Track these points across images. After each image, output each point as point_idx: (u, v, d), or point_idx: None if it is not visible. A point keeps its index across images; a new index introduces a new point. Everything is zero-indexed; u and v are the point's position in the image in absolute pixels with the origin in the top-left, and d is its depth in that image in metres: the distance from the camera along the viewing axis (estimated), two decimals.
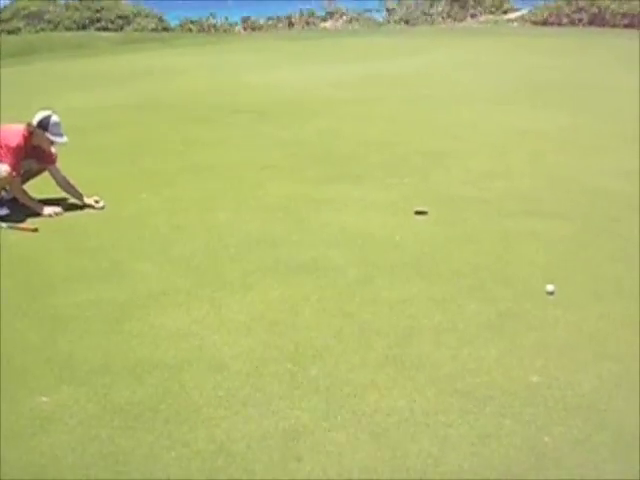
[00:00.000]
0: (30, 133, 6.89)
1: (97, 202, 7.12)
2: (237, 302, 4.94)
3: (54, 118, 6.91)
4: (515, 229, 6.09)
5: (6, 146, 6.79)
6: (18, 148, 6.82)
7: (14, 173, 6.79)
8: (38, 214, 6.87)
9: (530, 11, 27.58)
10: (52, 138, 6.90)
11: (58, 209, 6.94)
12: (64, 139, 6.96)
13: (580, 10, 24.73)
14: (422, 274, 5.26)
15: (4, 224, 6.74)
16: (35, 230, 6.59)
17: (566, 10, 25.14)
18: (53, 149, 7.15)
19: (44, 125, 6.86)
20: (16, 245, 6.29)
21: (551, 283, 4.92)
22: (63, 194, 7.17)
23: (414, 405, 3.70)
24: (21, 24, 29.48)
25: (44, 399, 3.94)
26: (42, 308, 5.03)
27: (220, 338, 4.47)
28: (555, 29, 24.02)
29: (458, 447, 3.38)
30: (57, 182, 7.17)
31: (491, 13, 29.16)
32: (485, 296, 4.88)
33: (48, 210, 6.90)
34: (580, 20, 24.50)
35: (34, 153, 7.03)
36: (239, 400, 3.82)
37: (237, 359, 4.22)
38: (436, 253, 5.63)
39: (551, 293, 4.85)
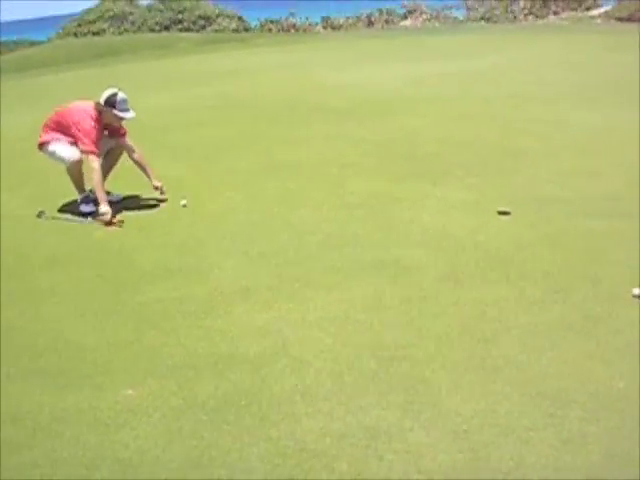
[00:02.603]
0: (99, 112, 7.02)
1: (161, 191, 7.32)
2: (319, 300, 4.96)
3: (121, 95, 7.02)
4: (600, 229, 5.96)
5: (80, 128, 6.96)
6: (93, 128, 6.97)
7: (96, 152, 6.96)
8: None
9: (614, 7, 26.95)
10: (121, 114, 7.02)
11: (108, 216, 6.87)
12: (132, 114, 7.08)
13: None
14: (506, 275, 5.19)
15: (89, 218, 6.91)
16: (120, 224, 6.72)
17: None
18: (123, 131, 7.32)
19: (112, 102, 6.98)
20: (103, 242, 6.45)
21: (638, 286, 4.79)
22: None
23: (497, 407, 3.65)
24: (105, 26, 30.20)
25: (130, 392, 4.03)
26: (129, 304, 5.16)
27: (302, 335, 4.50)
28: None
29: (540, 451, 3.32)
30: (131, 158, 7.31)
31: (573, 10, 28.63)
32: (570, 298, 4.79)
33: (105, 209, 6.90)
34: None
35: (106, 130, 7.20)
36: (321, 397, 3.84)
37: (319, 356, 4.24)
38: (520, 254, 5.55)
39: (638, 296, 4.73)
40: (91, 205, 7.15)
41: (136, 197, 7.51)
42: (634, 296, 4.72)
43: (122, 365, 4.32)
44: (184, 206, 7.10)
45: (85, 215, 7.07)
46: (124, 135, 7.31)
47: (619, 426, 3.47)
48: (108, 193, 7.24)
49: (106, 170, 7.34)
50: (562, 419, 3.54)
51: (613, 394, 3.73)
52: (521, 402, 3.69)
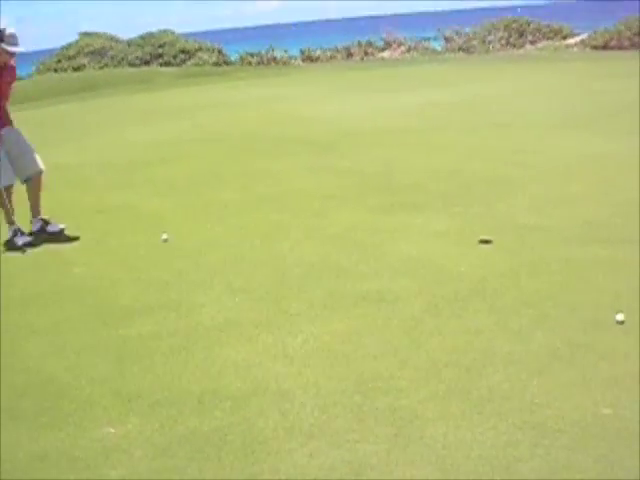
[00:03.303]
0: None
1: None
2: (302, 333, 4.92)
3: (9, 29, 6.87)
4: (581, 256, 5.97)
5: None
6: None
7: None
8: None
9: (590, 36, 27.26)
10: (9, 48, 6.89)
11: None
12: (21, 48, 6.98)
13: None
14: (488, 304, 5.18)
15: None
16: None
17: (627, 33, 24.80)
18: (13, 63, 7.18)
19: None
20: (82, 277, 6.39)
21: (620, 312, 4.79)
22: None
23: (483, 438, 3.61)
24: (85, 61, 30.22)
25: (111, 430, 3.96)
26: (109, 339, 5.10)
27: (285, 369, 4.45)
28: (617, 53, 23.68)
29: None
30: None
31: (550, 39, 28.93)
32: (553, 326, 4.77)
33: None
34: None
35: None
36: (304, 432, 3.78)
37: (302, 390, 4.19)
38: (502, 282, 5.54)
39: (621, 322, 4.72)
40: (24, 236, 7.12)
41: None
42: (617, 322, 4.71)
43: (102, 402, 4.25)
44: (165, 241, 7.05)
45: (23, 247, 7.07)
46: (14, 80, 7.30)
47: (606, 454, 3.43)
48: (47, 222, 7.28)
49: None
50: (549, 449, 3.50)
51: (599, 422, 3.70)
52: (507, 432, 3.66)
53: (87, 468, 3.64)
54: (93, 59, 30.33)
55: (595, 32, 26.95)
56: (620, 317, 4.74)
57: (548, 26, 29.49)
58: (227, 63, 30.72)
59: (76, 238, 7.13)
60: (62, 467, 3.66)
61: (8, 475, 3.63)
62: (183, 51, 30.38)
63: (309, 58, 30.14)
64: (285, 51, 30.81)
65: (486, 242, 6.36)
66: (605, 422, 3.70)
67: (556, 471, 3.34)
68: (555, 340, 4.57)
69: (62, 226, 7.25)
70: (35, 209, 7.37)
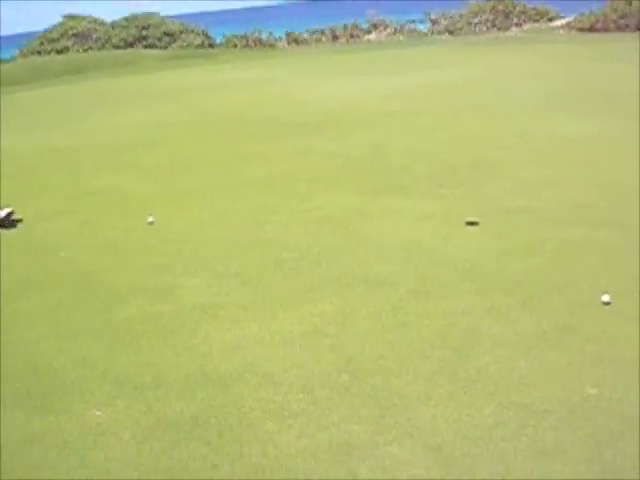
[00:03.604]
0: None
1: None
2: (290, 315, 4.93)
3: None
4: (568, 238, 5.98)
5: None
6: None
7: None
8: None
9: (576, 18, 27.22)
10: None
11: None
12: None
13: (627, 16, 24.36)
14: (476, 286, 5.19)
15: None
16: None
17: (612, 16, 24.79)
18: None
19: None
20: (69, 262, 6.36)
21: (606, 293, 4.81)
22: None
23: (470, 419, 3.64)
24: (69, 43, 29.95)
25: (98, 413, 3.96)
26: (97, 323, 5.09)
27: (272, 351, 4.46)
28: (602, 35, 23.69)
29: (515, 462, 3.31)
30: None
31: (536, 21, 28.86)
32: (540, 307, 4.79)
33: None
34: (627, 26, 24.12)
35: None
36: (292, 414, 3.80)
37: (289, 372, 4.20)
38: (489, 264, 5.56)
39: (607, 303, 4.75)
40: None
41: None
42: (603, 303, 4.74)
43: (90, 385, 4.25)
44: (151, 223, 7.03)
45: None
46: None
47: (593, 434, 3.46)
48: None
49: None
50: (536, 429, 3.53)
51: (586, 402, 3.72)
52: (494, 413, 3.68)
53: (75, 451, 3.65)
54: (77, 42, 30.07)
55: (581, 15, 26.91)
56: (606, 298, 4.77)
57: (534, 8, 29.41)
58: (212, 46, 30.51)
59: (19, 220, 7.11)
60: (50, 450, 3.67)
61: None
62: (167, 33, 30.16)
63: (295, 40, 29.98)
64: (270, 33, 30.62)
65: (473, 224, 6.37)
66: (591, 402, 3.72)
67: (544, 452, 3.36)
68: (542, 321, 4.60)
69: (8, 210, 7.19)
70: None
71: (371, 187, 7.77)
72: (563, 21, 28.13)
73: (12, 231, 7.13)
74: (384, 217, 6.80)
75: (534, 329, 4.50)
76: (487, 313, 4.75)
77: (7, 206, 7.24)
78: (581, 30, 25.54)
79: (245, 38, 30.04)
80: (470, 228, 6.32)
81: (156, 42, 29.70)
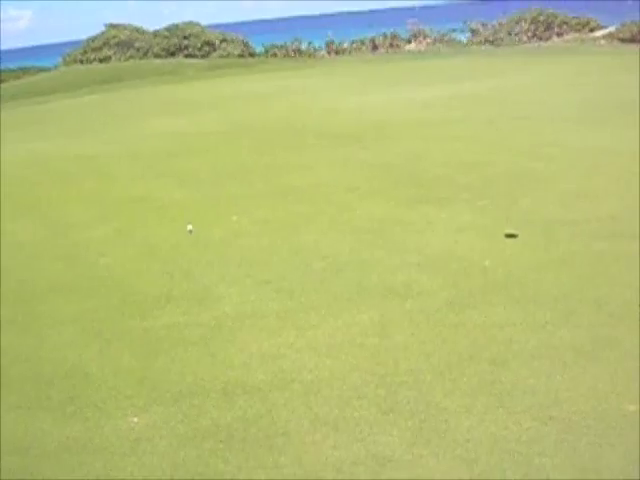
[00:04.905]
0: None
1: None
2: (326, 325, 4.93)
3: None
4: (607, 251, 5.91)
5: None
6: None
7: None
8: None
9: (617, 28, 26.95)
10: None
11: None
12: None
13: None
14: (514, 298, 5.15)
15: None
16: None
17: None
18: None
19: None
20: (108, 268, 6.43)
21: None
22: None
23: (508, 433, 3.60)
24: (111, 52, 30.33)
25: (135, 419, 3.99)
26: (135, 330, 5.13)
27: (309, 361, 4.46)
28: None
29: (553, 478, 3.27)
30: None
31: (577, 31, 28.64)
32: (579, 321, 4.74)
33: None
34: None
35: None
36: (328, 424, 3.79)
37: (326, 383, 4.20)
38: (528, 277, 5.51)
39: None
40: None
41: None
42: None
43: (127, 392, 4.29)
44: (190, 232, 7.08)
45: None
46: None
47: (632, 450, 3.41)
48: None
49: None
50: (575, 444, 3.48)
51: (625, 419, 3.67)
52: (532, 427, 3.64)
53: (112, 457, 3.68)
54: (119, 50, 30.43)
55: (622, 25, 26.63)
56: None
57: (576, 18, 29.19)
58: (252, 55, 30.71)
59: None
60: (87, 456, 3.70)
61: (36, 463, 3.67)
62: (208, 43, 30.41)
63: (334, 50, 30.06)
64: (310, 43, 30.73)
65: (512, 236, 6.32)
66: (630, 418, 3.67)
67: (583, 469, 3.31)
68: (580, 335, 4.54)
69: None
70: None
71: (409, 197, 7.75)
72: (605, 31, 27.86)
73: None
74: (422, 227, 6.77)
75: (572, 343, 4.45)
76: (525, 325, 4.71)
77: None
78: (623, 40, 25.27)
79: (285, 47, 30.20)
80: (509, 240, 6.28)
81: (196, 52, 29.98)
